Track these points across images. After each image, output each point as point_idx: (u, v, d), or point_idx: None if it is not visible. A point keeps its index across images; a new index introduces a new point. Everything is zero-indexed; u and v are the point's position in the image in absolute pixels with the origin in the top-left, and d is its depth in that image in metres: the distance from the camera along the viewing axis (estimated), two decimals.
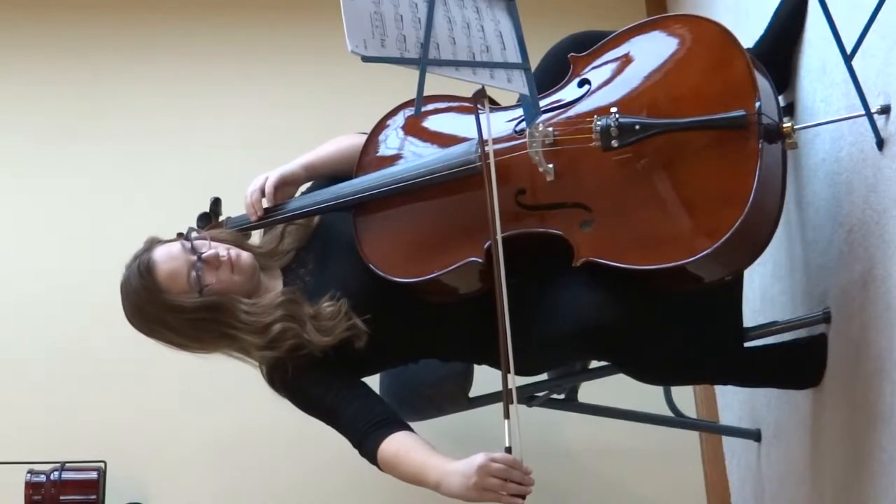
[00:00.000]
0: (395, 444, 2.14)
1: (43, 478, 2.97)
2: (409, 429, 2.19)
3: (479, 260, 2.11)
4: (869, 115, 1.91)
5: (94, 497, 2.99)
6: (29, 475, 2.97)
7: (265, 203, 2.33)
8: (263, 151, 3.36)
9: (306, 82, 3.58)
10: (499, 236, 1.94)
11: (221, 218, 2.41)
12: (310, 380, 2.23)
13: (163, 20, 3.65)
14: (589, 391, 2.74)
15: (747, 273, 2.29)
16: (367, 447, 2.17)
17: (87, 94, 3.55)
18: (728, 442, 3.06)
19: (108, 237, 3.22)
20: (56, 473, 2.98)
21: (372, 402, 2.23)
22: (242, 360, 2.30)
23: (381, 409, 2.22)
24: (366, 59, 1.80)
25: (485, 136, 2.01)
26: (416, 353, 2.36)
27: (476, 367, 2.62)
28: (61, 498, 2.96)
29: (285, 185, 2.34)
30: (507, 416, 1.89)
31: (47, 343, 3.26)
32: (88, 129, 3.50)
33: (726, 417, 3.06)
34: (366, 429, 2.17)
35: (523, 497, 1.96)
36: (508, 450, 1.93)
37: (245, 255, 2.27)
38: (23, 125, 3.52)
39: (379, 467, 2.17)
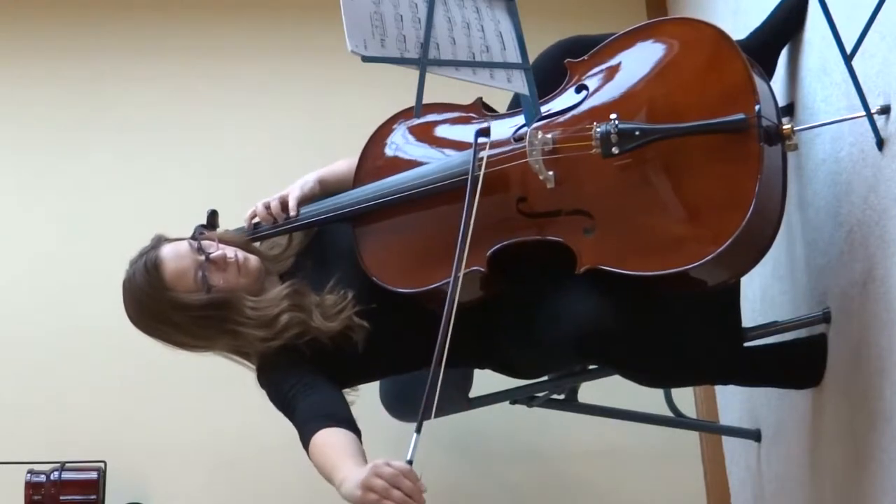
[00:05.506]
0: (331, 438, 2.08)
1: (43, 478, 2.97)
2: (357, 434, 2.11)
3: (481, 269, 2.10)
4: (869, 115, 1.91)
5: (94, 497, 2.99)
6: (29, 475, 2.98)
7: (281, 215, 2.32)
8: (263, 151, 3.38)
9: (306, 82, 3.58)
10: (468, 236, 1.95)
11: (219, 230, 2.39)
12: (284, 372, 2.20)
13: (163, 20, 3.65)
14: (589, 391, 2.74)
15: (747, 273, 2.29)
16: (307, 432, 2.10)
17: (86, 95, 3.55)
18: (728, 442, 3.06)
19: (110, 239, 3.22)
20: (56, 473, 2.98)
21: (334, 400, 2.18)
22: (236, 361, 2.30)
23: (339, 408, 2.16)
24: (366, 59, 1.80)
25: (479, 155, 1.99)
26: (416, 361, 2.33)
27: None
28: (61, 498, 2.96)
29: (303, 202, 2.33)
30: (418, 430, 1.86)
31: (48, 343, 3.27)
32: (86, 130, 3.51)
33: (726, 417, 3.06)
34: (313, 417, 2.12)
35: None
36: (410, 463, 1.88)
37: (253, 259, 2.27)
38: (22, 125, 3.52)
39: (308, 454, 2.10)
